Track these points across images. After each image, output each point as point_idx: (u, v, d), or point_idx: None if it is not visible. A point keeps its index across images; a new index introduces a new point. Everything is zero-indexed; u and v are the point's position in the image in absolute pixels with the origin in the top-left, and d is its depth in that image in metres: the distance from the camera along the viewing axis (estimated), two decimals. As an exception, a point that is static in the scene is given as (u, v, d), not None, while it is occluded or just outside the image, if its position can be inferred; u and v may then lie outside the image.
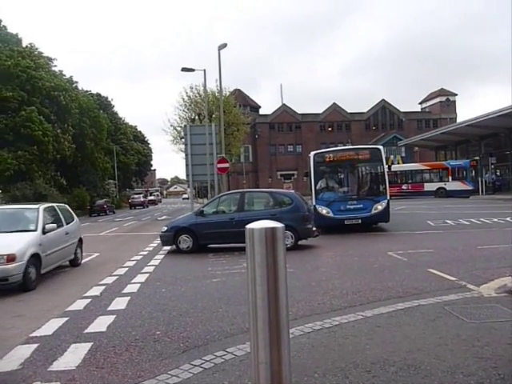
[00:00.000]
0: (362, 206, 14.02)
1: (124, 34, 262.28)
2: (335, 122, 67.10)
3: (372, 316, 4.98)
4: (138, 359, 4.09)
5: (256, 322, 1.58)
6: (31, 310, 6.15)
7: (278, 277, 1.58)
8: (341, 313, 5.21)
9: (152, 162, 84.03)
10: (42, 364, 4.04)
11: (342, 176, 15.62)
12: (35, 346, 4.53)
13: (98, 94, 59.87)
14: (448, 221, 15.59)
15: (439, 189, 35.48)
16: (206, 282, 7.59)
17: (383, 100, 68.53)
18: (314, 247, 11.60)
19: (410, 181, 37.54)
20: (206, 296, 6.47)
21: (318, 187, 14.59)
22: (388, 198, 14.31)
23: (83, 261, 10.52)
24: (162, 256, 10.99)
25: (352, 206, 14.05)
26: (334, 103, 67.65)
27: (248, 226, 1.71)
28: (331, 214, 14.04)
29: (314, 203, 14.34)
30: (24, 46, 39.65)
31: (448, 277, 6.89)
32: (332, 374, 3.44)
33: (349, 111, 67.29)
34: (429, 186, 36.17)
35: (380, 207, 13.99)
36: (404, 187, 37.13)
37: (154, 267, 9.33)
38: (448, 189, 34.84)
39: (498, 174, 37.63)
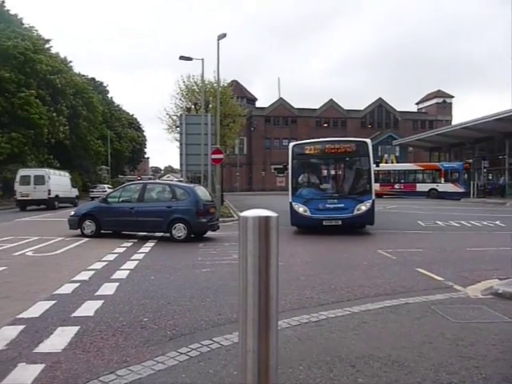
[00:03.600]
0: (343, 205, 12.59)
1: (122, 22, 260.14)
2: (331, 119, 67.16)
3: (359, 312, 5.02)
4: (124, 345, 4.09)
5: (246, 310, 1.58)
6: (18, 292, 6.11)
7: (269, 266, 1.58)
8: (328, 308, 5.24)
9: (146, 150, 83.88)
10: (27, 346, 4.02)
11: (323, 171, 14.12)
12: (21, 327, 4.51)
13: (93, 79, 59.42)
14: (438, 222, 15.70)
15: (431, 190, 35.75)
16: (195, 271, 7.60)
17: (380, 98, 68.68)
18: (301, 241, 11.63)
19: (402, 180, 37.77)
20: (194, 285, 6.48)
21: (295, 182, 13.22)
22: (373, 197, 12.84)
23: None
24: (153, 244, 10.97)
25: (332, 206, 12.63)
26: (331, 99, 67.59)
27: (242, 214, 1.70)
28: (308, 213, 12.66)
29: (290, 200, 13.02)
30: (23, 26, 39.34)
31: (436, 277, 6.96)
32: (317, 367, 3.47)
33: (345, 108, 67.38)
34: (421, 187, 36.42)
35: (364, 208, 12.54)
36: (396, 186, 37.39)
37: (143, 254, 9.32)
38: (440, 190, 35.12)
39: (490, 177, 37.93)
